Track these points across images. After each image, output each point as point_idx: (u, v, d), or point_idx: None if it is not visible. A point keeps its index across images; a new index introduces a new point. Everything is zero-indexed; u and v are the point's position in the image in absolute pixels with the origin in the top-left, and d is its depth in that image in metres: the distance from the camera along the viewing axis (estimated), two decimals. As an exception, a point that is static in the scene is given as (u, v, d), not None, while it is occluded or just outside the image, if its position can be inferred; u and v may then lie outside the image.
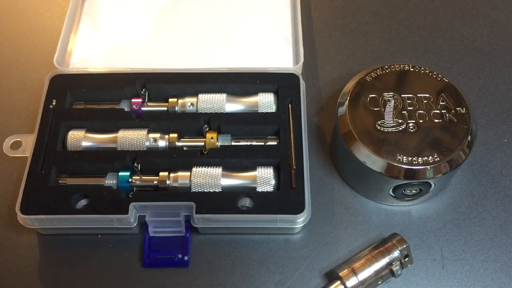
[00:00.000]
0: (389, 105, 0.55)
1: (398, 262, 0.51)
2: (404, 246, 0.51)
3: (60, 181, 0.55)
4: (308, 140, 0.57)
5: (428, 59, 0.68)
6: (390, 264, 0.50)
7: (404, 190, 0.53)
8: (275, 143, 0.57)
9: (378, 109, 0.54)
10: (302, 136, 0.55)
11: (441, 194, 0.57)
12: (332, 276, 0.52)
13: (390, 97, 0.55)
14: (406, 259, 0.51)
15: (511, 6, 0.73)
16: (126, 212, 0.51)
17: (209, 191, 0.53)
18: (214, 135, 0.57)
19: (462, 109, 0.54)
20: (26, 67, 0.67)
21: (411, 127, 0.53)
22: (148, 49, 0.66)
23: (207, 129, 0.58)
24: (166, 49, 0.66)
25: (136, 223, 0.53)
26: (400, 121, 0.53)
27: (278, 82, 0.60)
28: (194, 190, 0.53)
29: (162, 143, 0.57)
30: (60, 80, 0.60)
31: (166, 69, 0.61)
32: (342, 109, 0.55)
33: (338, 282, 0.50)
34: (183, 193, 0.53)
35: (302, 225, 0.52)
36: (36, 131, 0.56)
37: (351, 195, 0.58)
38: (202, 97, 0.59)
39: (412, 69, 0.57)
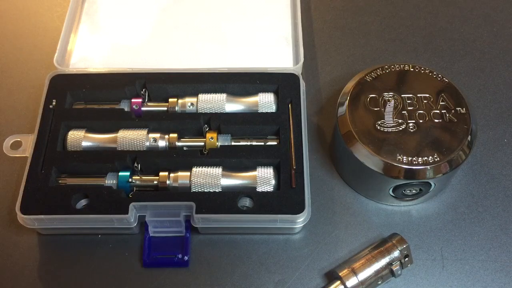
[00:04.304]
0: (389, 105, 0.55)
1: (398, 262, 0.51)
2: (404, 246, 0.51)
3: (60, 181, 0.55)
4: (308, 140, 0.57)
5: (428, 59, 0.68)
6: (390, 264, 0.50)
7: (404, 190, 0.53)
8: (275, 143, 0.57)
9: (378, 109, 0.54)
10: (302, 136, 0.55)
11: (441, 194, 0.57)
12: (332, 276, 0.52)
13: (390, 97, 0.55)
14: (406, 259, 0.51)
15: (511, 6, 0.73)
16: (126, 212, 0.51)
17: (209, 191, 0.53)
18: (214, 135, 0.57)
19: (462, 109, 0.54)
20: (26, 67, 0.67)
21: (411, 127, 0.53)
22: (148, 49, 0.66)
23: (207, 129, 0.58)
24: (166, 49, 0.66)
25: (136, 223, 0.53)
26: (400, 121, 0.53)
27: (278, 82, 0.60)
28: (194, 190, 0.53)
29: (162, 143, 0.57)
30: (60, 80, 0.60)
31: (166, 69, 0.61)
32: (342, 109, 0.55)
33: (338, 282, 0.50)
34: (183, 193, 0.53)
35: (302, 225, 0.52)
36: (36, 131, 0.56)
37: (351, 195, 0.58)
38: (202, 97, 0.59)
39: (412, 69, 0.57)
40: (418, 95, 0.55)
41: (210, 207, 0.52)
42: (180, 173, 0.54)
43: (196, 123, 0.58)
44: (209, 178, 0.54)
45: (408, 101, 0.55)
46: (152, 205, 0.52)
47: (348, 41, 0.70)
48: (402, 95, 0.55)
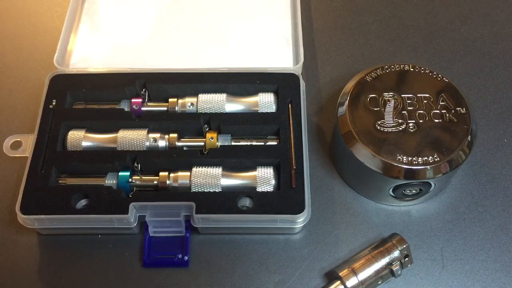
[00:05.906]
0: (389, 105, 0.55)
1: (398, 262, 0.51)
2: (404, 246, 0.51)
3: (60, 181, 0.55)
4: (308, 140, 0.57)
5: (428, 59, 0.68)
6: (390, 264, 0.50)
7: (404, 190, 0.53)
8: (275, 143, 0.57)
9: (378, 109, 0.54)
10: (302, 136, 0.55)
11: (441, 194, 0.57)
12: (332, 276, 0.52)
13: (390, 97, 0.55)
14: (406, 259, 0.51)
15: (511, 6, 0.73)
16: (126, 212, 0.51)
17: (209, 191, 0.53)
18: (214, 135, 0.57)
19: (462, 109, 0.54)
20: (26, 67, 0.67)
21: (411, 127, 0.53)
22: (148, 49, 0.66)
23: (207, 129, 0.58)
24: (166, 49, 0.66)
25: (136, 223, 0.53)
26: (400, 121, 0.53)
27: (278, 82, 0.60)
28: (194, 190, 0.53)
29: (162, 143, 0.57)
30: (60, 80, 0.60)
31: (166, 69, 0.61)
32: (342, 109, 0.55)
33: (338, 282, 0.50)
34: (183, 193, 0.53)
35: (302, 225, 0.52)
36: (36, 131, 0.56)
37: (351, 195, 0.58)
38: (202, 97, 0.59)
39: (412, 69, 0.57)
40: (418, 95, 0.55)
41: (210, 207, 0.52)
42: (180, 173, 0.54)
43: (196, 123, 0.58)
44: (209, 178, 0.54)
45: (408, 101, 0.55)
46: (152, 205, 0.52)
47: (348, 41, 0.70)
48: (402, 95, 0.55)
